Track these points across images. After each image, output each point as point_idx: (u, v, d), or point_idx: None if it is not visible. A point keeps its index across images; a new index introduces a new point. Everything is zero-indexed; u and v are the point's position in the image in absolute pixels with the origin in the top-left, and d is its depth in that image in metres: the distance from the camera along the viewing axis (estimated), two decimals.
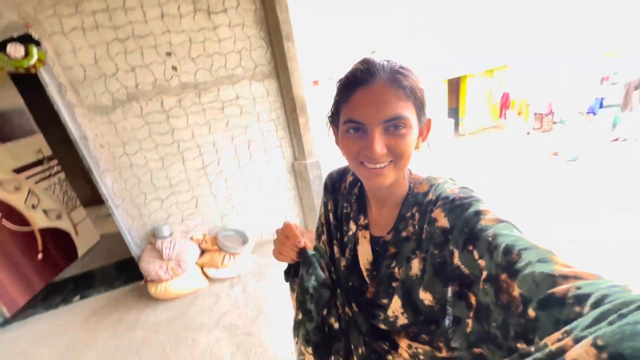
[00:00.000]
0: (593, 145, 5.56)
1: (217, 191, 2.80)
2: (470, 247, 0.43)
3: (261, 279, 2.55)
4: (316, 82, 7.55)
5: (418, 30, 7.97)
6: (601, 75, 7.35)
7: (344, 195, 0.71)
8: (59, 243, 3.25)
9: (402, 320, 0.56)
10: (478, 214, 0.45)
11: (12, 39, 2.01)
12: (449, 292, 0.49)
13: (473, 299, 0.43)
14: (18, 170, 2.94)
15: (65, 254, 3.31)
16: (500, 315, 0.37)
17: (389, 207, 0.62)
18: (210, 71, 2.47)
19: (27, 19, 2.06)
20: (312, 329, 0.65)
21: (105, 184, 2.50)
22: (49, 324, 2.50)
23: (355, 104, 0.50)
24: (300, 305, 0.64)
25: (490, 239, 0.40)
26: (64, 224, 3.35)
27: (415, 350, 0.58)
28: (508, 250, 0.37)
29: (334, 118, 0.58)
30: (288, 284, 0.75)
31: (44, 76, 2.16)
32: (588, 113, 7.04)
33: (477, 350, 0.44)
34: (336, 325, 0.67)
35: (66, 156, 3.95)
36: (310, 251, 0.66)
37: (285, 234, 0.63)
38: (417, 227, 0.55)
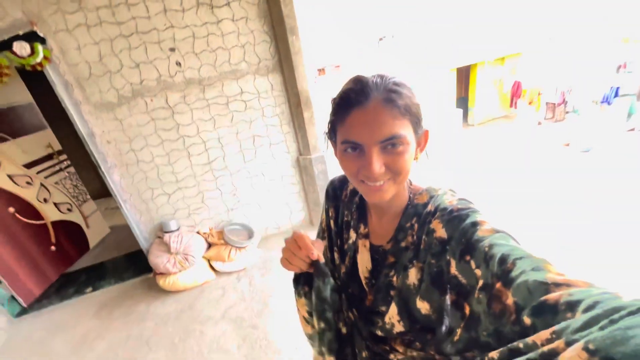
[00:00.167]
0: (607, 136, 5.38)
1: (223, 186, 2.83)
2: (467, 257, 0.44)
3: (267, 272, 2.59)
4: (322, 71, 7.40)
5: (427, 16, 7.74)
6: (618, 63, 7.06)
7: (345, 203, 0.72)
8: (71, 235, 3.35)
9: (399, 327, 0.57)
10: (475, 224, 0.46)
11: (17, 37, 2.03)
12: (447, 301, 0.50)
13: (467, 310, 0.44)
14: (29, 165, 3.02)
15: (77, 246, 3.41)
16: (490, 324, 0.37)
17: (389, 217, 0.62)
18: (214, 66, 2.46)
19: (32, 17, 2.06)
20: (332, 337, 0.66)
21: (113, 179, 2.54)
22: (63, 313, 2.60)
23: (351, 125, 0.50)
24: (320, 315, 0.65)
25: (486, 249, 0.41)
26: (75, 217, 3.45)
27: (411, 354, 0.60)
28: (503, 259, 0.38)
29: (331, 135, 0.58)
30: (293, 287, 0.76)
31: (51, 74, 2.18)
32: (602, 102, 6.79)
33: (469, 354, 0.45)
34: (344, 330, 0.68)
35: (75, 150, 4.03)
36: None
37: (298, 245, 0.61)
38: (415, 237, 0.56)
